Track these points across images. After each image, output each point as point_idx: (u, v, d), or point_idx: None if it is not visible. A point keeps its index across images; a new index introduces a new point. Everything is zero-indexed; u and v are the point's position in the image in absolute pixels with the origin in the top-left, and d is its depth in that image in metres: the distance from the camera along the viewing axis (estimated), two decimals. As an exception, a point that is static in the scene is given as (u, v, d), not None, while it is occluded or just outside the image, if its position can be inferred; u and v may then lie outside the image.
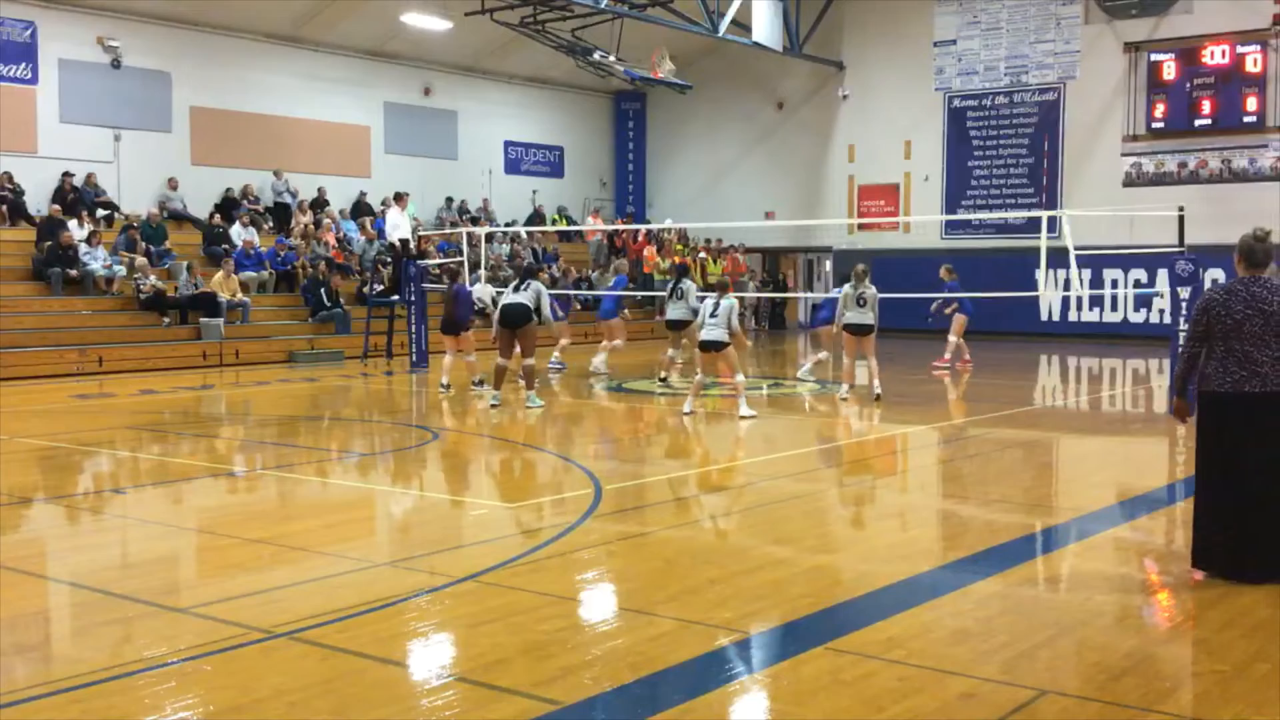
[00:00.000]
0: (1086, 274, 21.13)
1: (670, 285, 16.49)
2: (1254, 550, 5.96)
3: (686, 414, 12.93)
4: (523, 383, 14.13)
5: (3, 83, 21.03)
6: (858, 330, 14.18)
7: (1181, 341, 12.54)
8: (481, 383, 15.33)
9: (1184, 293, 12.95)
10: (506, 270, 25.85)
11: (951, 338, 18.45)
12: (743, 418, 12.59)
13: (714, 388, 15.18)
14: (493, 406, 13.53)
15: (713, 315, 12.66)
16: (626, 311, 19.74)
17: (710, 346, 12.74)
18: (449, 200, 28.29)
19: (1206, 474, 6.16)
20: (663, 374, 16.42)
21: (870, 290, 14.16)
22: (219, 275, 20.70)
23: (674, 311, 16.05)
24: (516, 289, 13.65)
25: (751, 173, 30.98)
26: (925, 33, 27.86)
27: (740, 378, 13.00)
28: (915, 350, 21.16)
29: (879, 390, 14.29)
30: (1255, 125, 23.84)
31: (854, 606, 5.80)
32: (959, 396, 15.99)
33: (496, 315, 13.80)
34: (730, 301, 12.75)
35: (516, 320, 13.37)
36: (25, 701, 4.44)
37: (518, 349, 13.90)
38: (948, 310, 18.57)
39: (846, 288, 14.33)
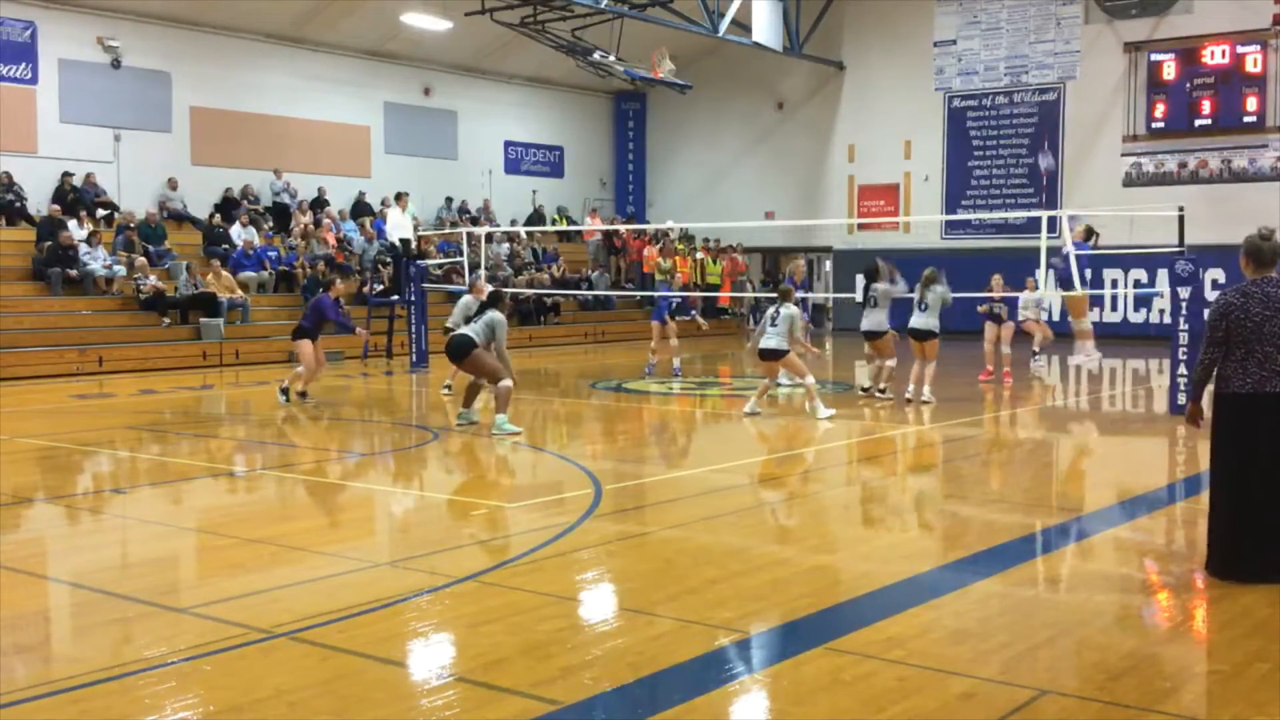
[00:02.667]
0: (1087, 274, 21.11)
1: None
2: (1272, 551, 5.93)
3: (748, 414, 12.93)
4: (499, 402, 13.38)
5: (3, 83, 21.03)
6: (911, 335, 14.08)
7: (1184, 341, 12.63)
8: (304, 395, 14.29)
9: (1184, 293, 12.92)
10: (506, 270, 25.89)
11: (1005, 348, 17.45)
12: (821, 419, 12.61)
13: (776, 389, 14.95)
14: (459, 425, 12.38)
15: (773, 324, 12.75)
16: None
17: (770, 355, 12.80)
18: (449, 200, 28.29)
19: (1225, 476, 6.09)
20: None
21: (932, 292, 13.91)
22: (211, 274, 20.72)
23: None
24: (470, 319, 12.35)
25: (751, 173, 30.98)
26: (925, 33, 27.87)
27: (811, 380, 13.02)
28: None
29: (926, 396, 13.91)
30: (1255, 125, 23.84)
31: (854, 606, 5.80)
32: (958, 398, 15.97)
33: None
34: (791, 310, 12.81)
35: (455, 353, 11.96)
36: (25, 701, 4.44)
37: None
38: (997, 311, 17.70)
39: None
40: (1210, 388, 6.18)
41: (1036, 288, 18.15)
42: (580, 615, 5.79)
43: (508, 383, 11.83)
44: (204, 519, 8.21)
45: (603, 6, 23.28)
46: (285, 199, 25.11)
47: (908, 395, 14.15)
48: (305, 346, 14.31)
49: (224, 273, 21.06)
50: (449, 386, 15.11)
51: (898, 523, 8.18)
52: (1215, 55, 24.07)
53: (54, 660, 5.15)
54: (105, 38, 22.48)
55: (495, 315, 11.94)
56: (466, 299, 15.07)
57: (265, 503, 8.98)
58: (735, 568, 6.44)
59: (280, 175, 25.16)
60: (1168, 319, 13.82)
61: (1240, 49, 23.82)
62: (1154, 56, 24.82)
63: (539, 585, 6.08)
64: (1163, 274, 17.57)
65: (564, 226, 29.76)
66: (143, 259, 20.71)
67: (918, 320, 14.02)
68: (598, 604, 6.03)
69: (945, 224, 27.65)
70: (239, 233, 23.04)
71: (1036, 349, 19.77)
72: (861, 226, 28.82)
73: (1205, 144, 24.42)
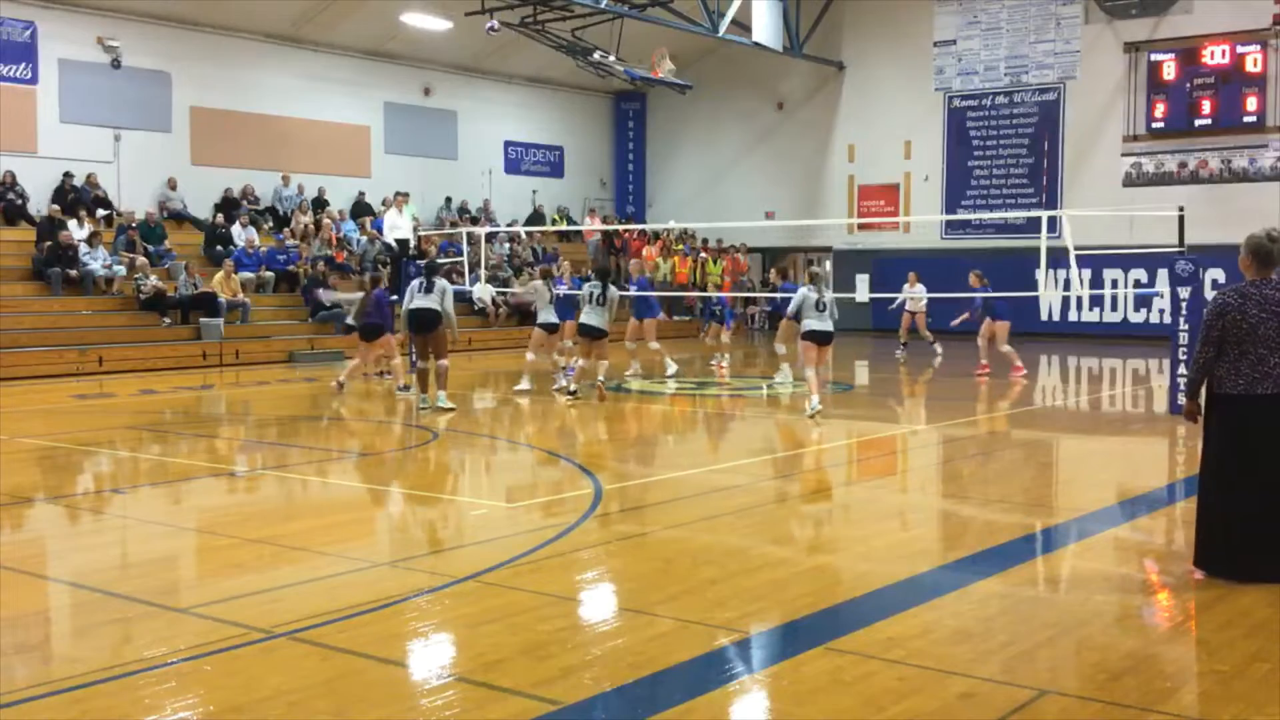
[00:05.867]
0: (1086, 274, 21.13)
1: (598, 290, 14.25)
2: (1261, 551, 5.94)
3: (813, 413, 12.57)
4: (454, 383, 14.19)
5: (3, 83, 21.03)
6: (817, 337, 12.86)
7: (1184, 341, 12.62)
8: (407, 388, 15.05)
9: (1184, 293, 12.93)
10: (507, 270, 25.88)
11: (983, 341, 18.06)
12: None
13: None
14: (421, 409, 13.32)
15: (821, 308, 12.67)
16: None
17: (824, 338, 12.72)
18: (449, 200, 28.30)
19: (1213, 475, 6.12)
20: (570, 384, 14.86)
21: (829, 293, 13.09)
22: (219, 275, 20.71)
23: (592, 318, 14.21)
24: (424, 290, 13.16)
25: (751, 173, 30.97)
26: (925, 33, 27.87)
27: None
28: (914, 350, 21.16)
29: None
30: (1255, 125, 23.84)
31: (854, 606, 5.80)
32: (958, 397, 15.98)
33: (404, 318, 13.51)
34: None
35: (426, 325, 13.14)
36: (25, 701, 4.44)
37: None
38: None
39: (805, 289, 12.95)
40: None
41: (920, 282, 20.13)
42: (580, 615, 5.79)
43: (446, 363, 13.30)
44: (204, 519, 8.21)
45: (603, 6, 23.27)
46: (292, 203, 25.07)
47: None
48: (391, 340, 15.16)
49: (234, 276, 21.03)
50: (406, 387, 15.16)
51: (898, 523, 8.18)
52: (1215, 55, 24.06)
53: (54, 660, 5.15)
54: (105, 38, 22.47)
55: (446, 283, 13.26)
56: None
57: (265, 503, 8.98)
58: (735, 568, 6.44)
59: (288, 182, 25.17)
60: (1168, 319, 13.82)
61: (1240, 49, 23.81)
62: (1154, 56, 24.82)
63: (539, 585, 6.07)
64: (1163, 274, 17.58)
65: (564, 226, 29.76)
66: (144, 259, 20.70)
67: (823, 322, 12.86)
68: (598, 604, 6.03)
69: (945, 224, 27.67)
70: (239, 233, 23.04)
71: (905, 341, 21.08)
72: (861, 226, 28.82)
73: (1205, 144, 24.41)
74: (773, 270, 19.31)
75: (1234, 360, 5.98)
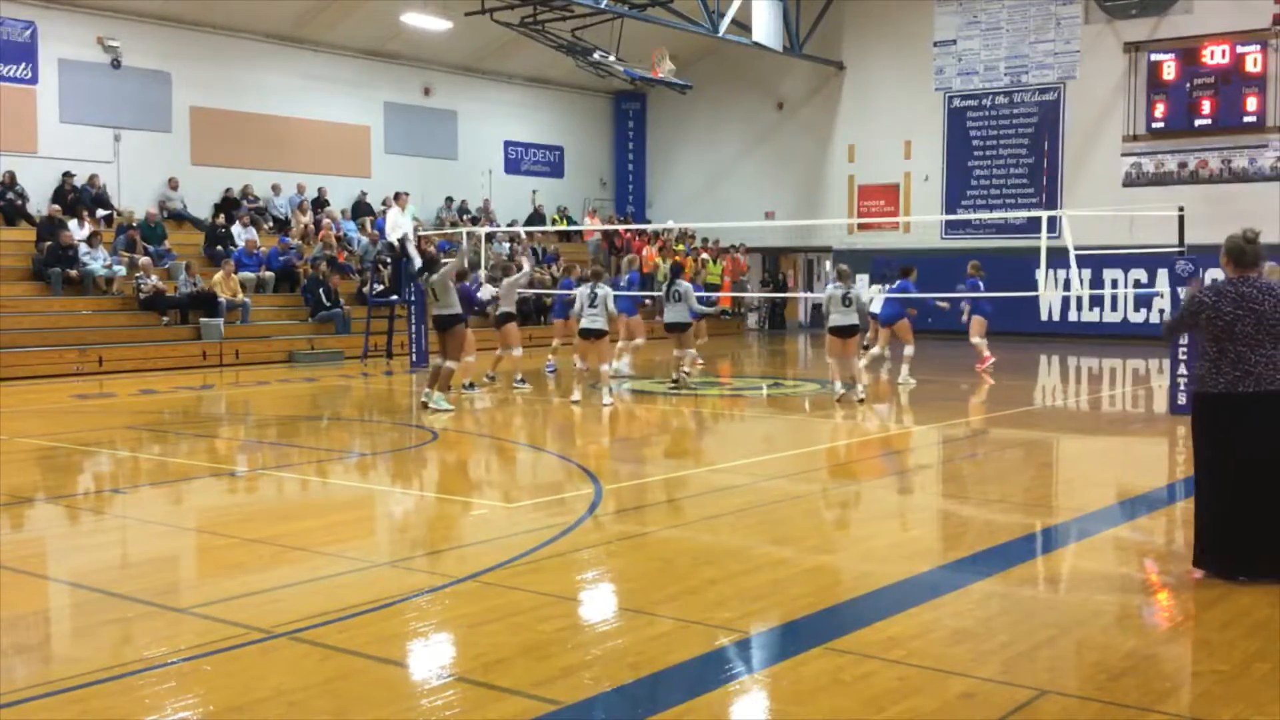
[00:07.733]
0: (1086, 274, 21.13)
1: (666, 287, 16.21)
2: (1253, 550, 5.96)
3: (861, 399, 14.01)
4: (461, 381, 14.64)
5: (3, 83, 21.03)
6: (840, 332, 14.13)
7: (1184, 341, 12.61)
8: (471, 385, 15.47)
9: (1184, 293, 12.93)
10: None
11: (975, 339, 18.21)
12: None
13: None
14: (424, 402, 13.54)
15: (845, 304, 13.89)
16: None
17: (846, 332, 13.95)
18: (449, 200, 28.29)
19: (1204, 475, 6.16)
20: (675, 375, 16.09)
21: (854, 290, 14.23)
22: (219, 275, 20.71)
23: (672, 314, 15.92)
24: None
25: (751, 173, 30.97)
26: (925, 33, 27.87)
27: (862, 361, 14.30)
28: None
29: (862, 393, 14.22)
30: (1255, 125, 23.84)
31: (854, 606, 5.80)
32: (958, 397, 15.99)
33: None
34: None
35: (442, 324, 13.46)
36: (25, 701, 4.44)
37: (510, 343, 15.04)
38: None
39: (831, 288, 14.36)
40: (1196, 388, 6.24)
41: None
42: (580, 615, 5.79)
43: (452, 365, 13.54)
44: (204, 519, 8.22)
45: (603, 6, 23.28)
46: (286, 208, 25.04)
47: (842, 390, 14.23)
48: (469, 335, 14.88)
49: (234, 276, 21.04)
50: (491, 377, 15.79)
51: (898, 523, 8.18)
52: (1215, 55, 24.06)
53: (54, 660, 5.15)
54: (105, 38, 22.47)
55: (466, 285, 13.85)
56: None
57: (265, 503, 8.98)
58: (735, 568, 6.44)
59: (279, 191, 25.10)
60: (1168, 319, 13.81)
61: (1240, 49, 23.81)
62: (1154, 56, 24.82)
63: (539, 585, 6.07)
64: (1163, 274, 17.58)
65: (564, 226, 29.75)
66: (145, 259, 20.70)
67: (846, 317, 14.06)
68: (598, 604, 6.03)
69: (945, 224, 27.66)
70: (240, 233, 23.04)
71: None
72: (861, 226, 28.82)
73: (1205, 144, 24.42)
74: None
75: (1214, 359, 6.01)
